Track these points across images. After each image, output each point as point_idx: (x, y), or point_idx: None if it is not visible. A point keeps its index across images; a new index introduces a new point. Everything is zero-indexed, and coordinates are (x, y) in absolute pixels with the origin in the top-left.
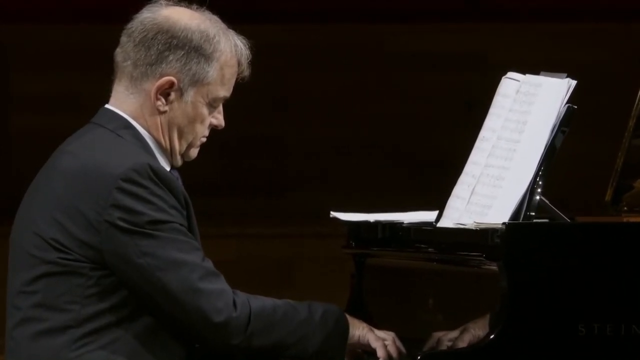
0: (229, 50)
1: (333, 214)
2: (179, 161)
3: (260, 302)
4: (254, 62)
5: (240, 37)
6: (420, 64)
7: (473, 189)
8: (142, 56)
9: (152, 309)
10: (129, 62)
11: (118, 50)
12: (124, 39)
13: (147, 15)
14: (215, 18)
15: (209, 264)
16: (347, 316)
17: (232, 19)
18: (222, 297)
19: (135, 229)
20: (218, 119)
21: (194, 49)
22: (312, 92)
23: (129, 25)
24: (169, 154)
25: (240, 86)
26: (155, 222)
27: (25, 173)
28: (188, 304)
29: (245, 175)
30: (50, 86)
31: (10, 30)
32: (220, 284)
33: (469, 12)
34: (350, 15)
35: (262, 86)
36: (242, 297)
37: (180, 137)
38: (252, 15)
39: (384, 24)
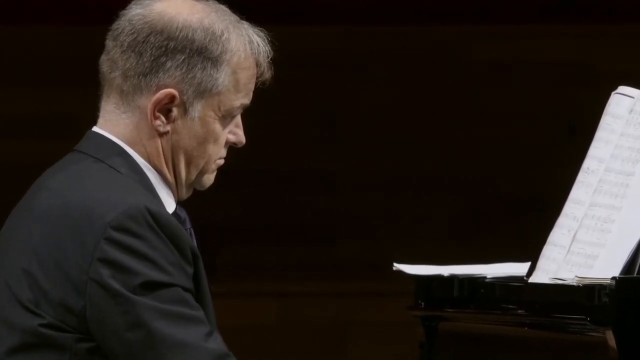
0: (243, 48)
1: (397, 266)
2: (184, 193)
3: None
4: (296, 74)
5: (256, 30)
6: (505, 76)
7: (575, 235)
8: (133, 65)
9: None
10: (117, 73)
11: (103, 57)
12: (109, 43)
13: (136, 12)
14: (222, 8)
15: (215, 342)
16: None
17: (267, 20)
18: None
19: (126, 292)
20: (237, 134)
21: (197, 52)
22: (371, 113)
23: (114, 26)
24: (174, 186)
25: (278, 105)
26: (151, 285)
27: (3, 213)
28: None
29: (286, 219)
30: (36, 104)
31: None
32: None
33: (570, 10)
34: (422, 14)
35: (306, 104)
36: None
37: (188, 163)
38: (294, 15)
39: (455, 25)
